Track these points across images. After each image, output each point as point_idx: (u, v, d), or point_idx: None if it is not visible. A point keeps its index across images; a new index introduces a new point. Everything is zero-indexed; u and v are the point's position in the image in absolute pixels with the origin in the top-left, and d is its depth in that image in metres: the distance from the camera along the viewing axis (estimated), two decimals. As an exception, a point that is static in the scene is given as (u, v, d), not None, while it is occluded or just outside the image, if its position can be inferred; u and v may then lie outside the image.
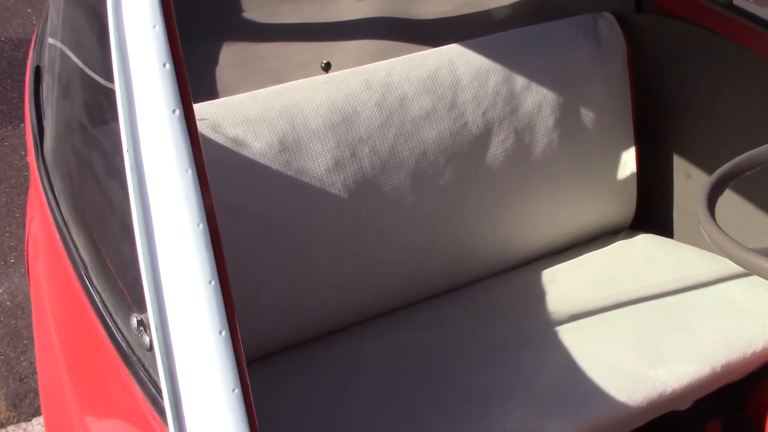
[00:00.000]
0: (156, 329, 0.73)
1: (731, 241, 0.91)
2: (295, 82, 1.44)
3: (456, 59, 1.54)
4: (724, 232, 0.93)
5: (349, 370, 1.37)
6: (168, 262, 0.73)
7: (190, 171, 0.72)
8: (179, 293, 0.73)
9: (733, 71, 1.56)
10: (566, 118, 1.60)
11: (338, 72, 1.48)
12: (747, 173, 1.05)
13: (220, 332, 0.73)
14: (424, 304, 1.55)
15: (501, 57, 1.56)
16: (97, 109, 1.05)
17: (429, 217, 1.50)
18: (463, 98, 1.52)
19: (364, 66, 1.50)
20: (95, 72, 1.00)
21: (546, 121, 1.58)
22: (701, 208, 0.95)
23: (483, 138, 1.53)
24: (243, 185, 1.36)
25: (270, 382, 1.36)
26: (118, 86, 0.73)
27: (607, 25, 1.65)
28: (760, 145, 1.58)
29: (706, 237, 0.95)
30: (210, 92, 1.56)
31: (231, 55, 1.65)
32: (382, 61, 1.51)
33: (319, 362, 1.40)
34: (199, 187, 0.74)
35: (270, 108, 1.40)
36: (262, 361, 1.41)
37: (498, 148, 1.55)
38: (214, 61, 1.63)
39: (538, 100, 1.57)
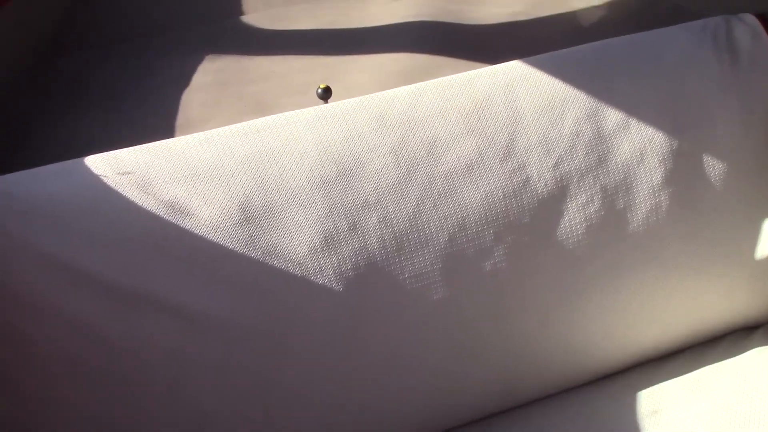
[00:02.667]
0: None
1: None
2: (272, 117, 0.99)
3: (516, 83, 1.05)
4: None
5: None
6: None
7: None
8: None
9: None
10: (681, 170, 1.09)
11: (340, 102, 1.02)
12: None
13: None
14: (460, 441, 1.06)
15: (584, 80, 1.06)
16: None
17: (468, 319, 1.01)
18: (526, 142, 1.03)
19: (377, 93, 1.03)
20: None
21: (650, 175, 1.07)
22: None
23: (554, 201, 1.04)
24: (181, 273, 0.91)
25: None
26: None
27: (748, 32, 1.13)
28: None
29: None
30: (162, 128, 1.12)
31: (210, 74, 1.21)
32: (405, 87, 1.04)
33: None
34: None
35: (229, 156, 0.94)
36: None
37: (576, 215, 1.05)
38: (183, 82, 1.19)
39: (639, 144, 1.07)
